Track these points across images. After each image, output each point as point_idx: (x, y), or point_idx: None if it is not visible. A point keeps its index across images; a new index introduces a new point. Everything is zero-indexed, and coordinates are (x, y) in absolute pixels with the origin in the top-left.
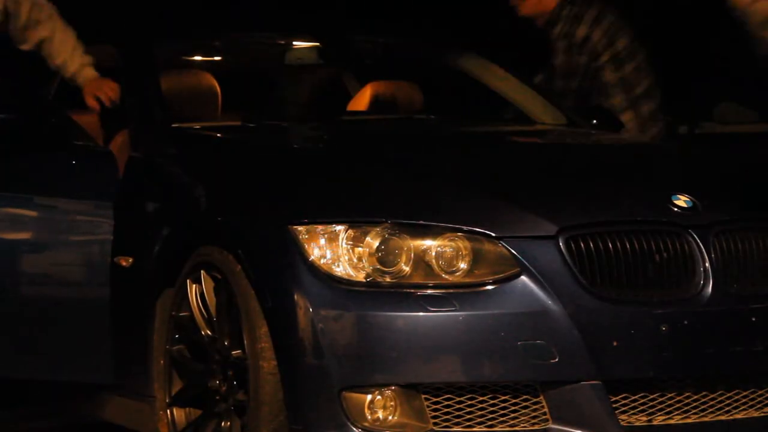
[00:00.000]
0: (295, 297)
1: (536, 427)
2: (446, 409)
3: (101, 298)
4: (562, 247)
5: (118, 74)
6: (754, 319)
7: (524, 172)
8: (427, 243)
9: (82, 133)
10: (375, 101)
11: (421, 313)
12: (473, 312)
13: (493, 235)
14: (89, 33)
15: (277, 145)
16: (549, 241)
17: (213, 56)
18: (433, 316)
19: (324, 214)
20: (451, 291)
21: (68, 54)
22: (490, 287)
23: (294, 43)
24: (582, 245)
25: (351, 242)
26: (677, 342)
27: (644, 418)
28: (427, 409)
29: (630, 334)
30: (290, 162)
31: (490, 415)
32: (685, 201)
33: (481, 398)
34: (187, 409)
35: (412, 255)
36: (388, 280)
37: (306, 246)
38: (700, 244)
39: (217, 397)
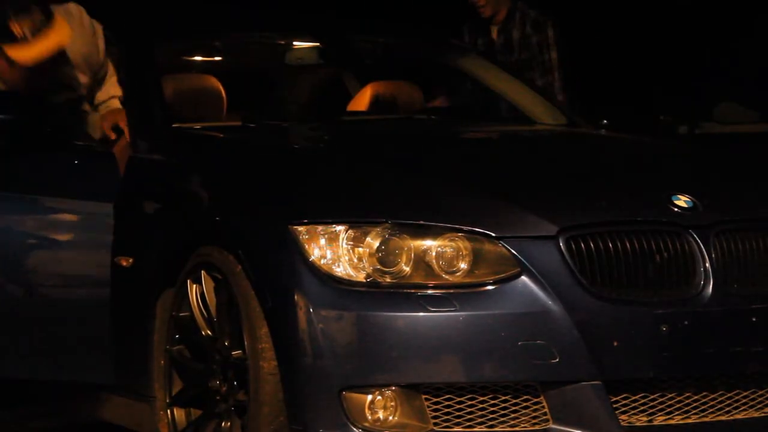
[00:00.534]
0: (296, 297)
1: (537, 428)
2: (447, 410)
3: (101, 298)
4: (562, 247)
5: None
6: (754, 319)
7: (524, 172)
8: (428, 243)
9: (82, 133)
10: (375, 101)
11: (421, 314)
12: (473, 312)
13: (494, 235)
14: None
15: (278, 145)
16: (549, 241)
17: (213, 56)
18: (433, 317)
19: (324, 215)
20: (452, 291)
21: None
22: (490, 287)
23: (294, 43)
24: (582, 245)
25: (351, 242)
26: (677, 342)
27: (644, 419)
28: (428, 410)
29: (630, 334)
30: (290, 162)
31: (491, 415)
32: (685, 201)
33: (481, 398)
34: (188, 409)
35: (413, 255)
36: (388, 280)
37: (306, 246)
38: (701, 244)
39: (218, 398)
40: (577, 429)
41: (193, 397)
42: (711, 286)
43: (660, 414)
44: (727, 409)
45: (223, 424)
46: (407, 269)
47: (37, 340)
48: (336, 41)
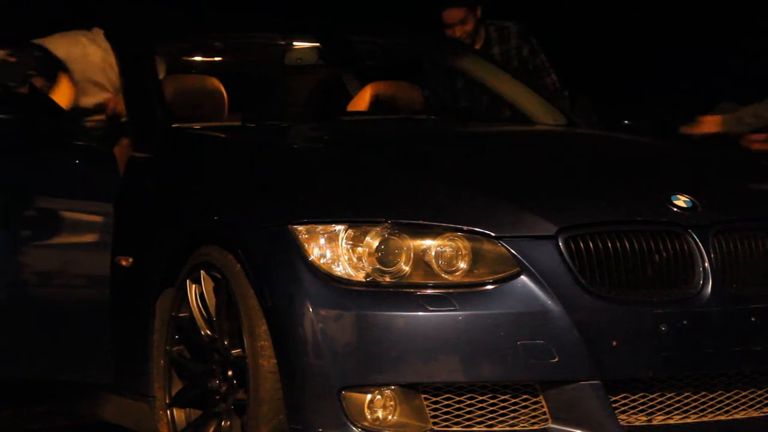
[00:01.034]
0: (295, 297)
1: (536, 427)
2: (446, 409)
3: (101, 298)
4: (561, 246)
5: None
6: (753, 319)
7: (524, 172)
8: (427, 243)
9: (82, 133)
10: (375, 101)
11: (420, 313)
12: (473, 312)
13: (493, 234)
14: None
15: (277, 145)
16: (548, 240)
17: (213, 56)
18: (432, 316)
19: (324, 214)
20: (451, 291)
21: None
22: (489, 287)
23: (294, 43)
24: (581, 245)
25: (351, 242)
26: (676, 342)
27: (644, 418)
28: (427, 409)
29: (629, 334)
30: (290, 162)
31: (490, 415)
32: (684, 201)
33: (480, 398)
34: (187, 409)
35: (412, 255)
36: (387, 279)
37: (306, 246)
38: (700, 244)
39: (217, 397)
40: (577, 429)
41: (193, 396)
42: (710, 286)
43: (659, 414)
44: (726, 408)
45: (222, 423)
46: (407, 269)
47: (38, 340)
48: (336, 41)
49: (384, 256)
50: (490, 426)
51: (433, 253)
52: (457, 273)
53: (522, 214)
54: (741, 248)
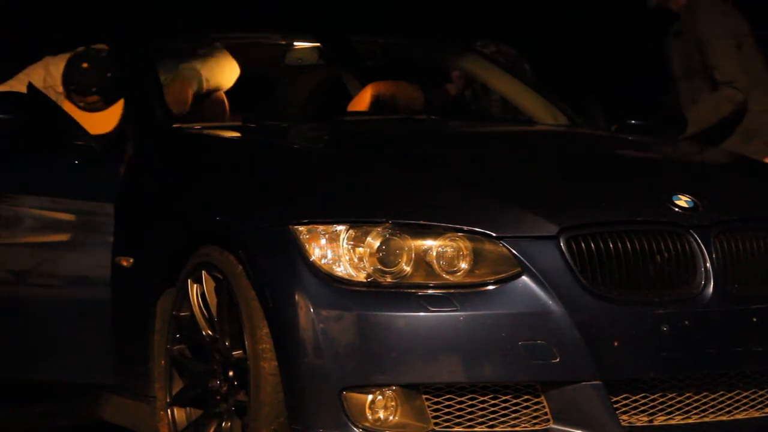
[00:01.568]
0: (296, 297)
1: (537, 428)
2: (447, 410)
3: (101, 298)
4: (562, 247)
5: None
6: (755, 319)
7: (525, 172)
8: (428, 243)
9: (82, 133)
10: (375, 101)
11: (421, 313)
12: (474, 312)
13: (494, 235)
14: (89, 33)
15: (278, 145)
16: (550, 241)
17: None
18: (433, 316)
19: (325, 214)
20: (452, 291)
21: None
22: (490, 287)
23: (294, 43)
24: (583, 245)
25: (352, 242)
26: (678, 342)
27: (645, 419)
28: (428, 409)
29: (631, 335)
30: (290, 162)
31: (491, 416)
32: (685, 201)
33: (482, 398)
34: (188, 409)
35: (413, 255)
36: (388, 280)
37: (307, 246)
38: (701, 245)
39: (218, 398)
40: (578, 429)
41: (194, 397)
42: (711, 286)
43: (660, 414)
44: (728, 409)
45: (223, 424)
46: (408, 269)
47: (37, 340)
48: (336, 41)
49: (385, 257)
50: (492, 426)
51: (435, 254)
52: (458, 273)
53: (523, 214)
54: (742, 248)
